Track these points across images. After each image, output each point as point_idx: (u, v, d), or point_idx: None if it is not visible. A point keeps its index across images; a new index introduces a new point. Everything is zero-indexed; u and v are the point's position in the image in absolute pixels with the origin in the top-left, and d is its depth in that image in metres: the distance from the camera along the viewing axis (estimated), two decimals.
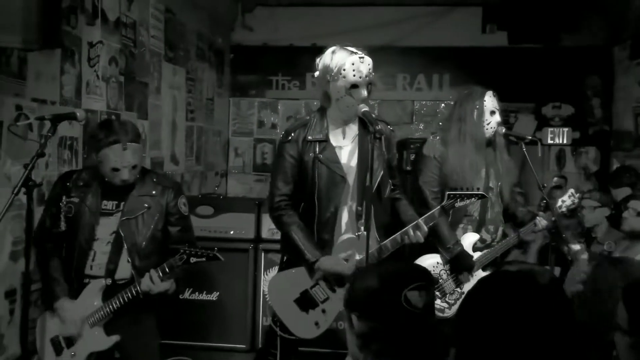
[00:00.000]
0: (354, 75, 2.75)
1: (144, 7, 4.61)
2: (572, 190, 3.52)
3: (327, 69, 2.80)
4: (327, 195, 2.80)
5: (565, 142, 6.73)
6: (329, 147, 2.83)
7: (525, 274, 1.31)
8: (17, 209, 3.02)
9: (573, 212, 3.75)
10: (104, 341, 2.80)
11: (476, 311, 1.26)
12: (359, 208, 2.80)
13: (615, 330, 1.41)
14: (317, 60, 2.88)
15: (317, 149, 2.81)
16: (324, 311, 2.83)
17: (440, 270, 3.32)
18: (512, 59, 6.55)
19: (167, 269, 2.70)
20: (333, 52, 2.83)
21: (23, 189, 2.49)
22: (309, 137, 2.83)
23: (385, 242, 2.83)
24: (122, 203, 2.88)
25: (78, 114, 2.72)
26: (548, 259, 3.63)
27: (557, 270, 4.08)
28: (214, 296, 4.34)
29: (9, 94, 3.07)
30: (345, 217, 2.85)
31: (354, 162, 2.85)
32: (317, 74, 2.87)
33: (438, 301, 3.25)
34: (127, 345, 2.84)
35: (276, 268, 3.38)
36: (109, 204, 2.87)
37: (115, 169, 2.77)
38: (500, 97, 3.46)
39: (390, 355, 1.54)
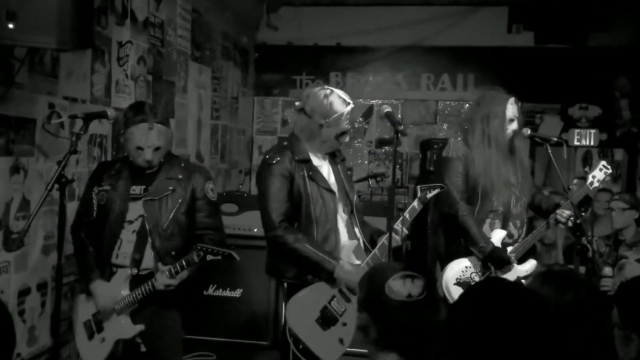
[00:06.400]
0: (347, 125, 2.94)
1: (172, 7, 4.68)
2: (603, 163, 3.44)
3: (321, 115, 2.90)
4: (323, 210, 2.91)
5: (592, 143, 6.66)
6: (313, 166, 2.96)
7: (522, 286, 1.32)
8: (48, 205, 3.10)
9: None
10: (129, 329, 2.85)
11: (459, 320, 1.28)
12: (351, 218, 3.01)
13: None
14: (305, 96, 2.95)
15: (305, 169, 2.92)
16: (344, 324, 2.86)
17: (471, 273, 3.30)
18: (538, 59, 6.48)
19: (184, 266, 2.72)
20: (325, 96, 2.91)
21: (56, 185, 2.57)
22: (296, 157, 2.92)
23: (374, 250, 2.94)
24: (150, 187, 2.91)
25: (109, 112, 2.79)
26: (573, 259, 3.61)
27: (581, 270, 4.08)
28: (237, 293, 4.40)
29: (43, 92, 3.15)
30: (341, 226, 2.98)
31: (332, 178, 3.02)
32: (305, 108, 2.93)
33: None
34: (151, 336, 2.88)
35: None
36: (137, 189, 2.91)
37: (140, 148, 2.82)
38: (526, 98, 3.46)
39: (386, 345, 1.62)
